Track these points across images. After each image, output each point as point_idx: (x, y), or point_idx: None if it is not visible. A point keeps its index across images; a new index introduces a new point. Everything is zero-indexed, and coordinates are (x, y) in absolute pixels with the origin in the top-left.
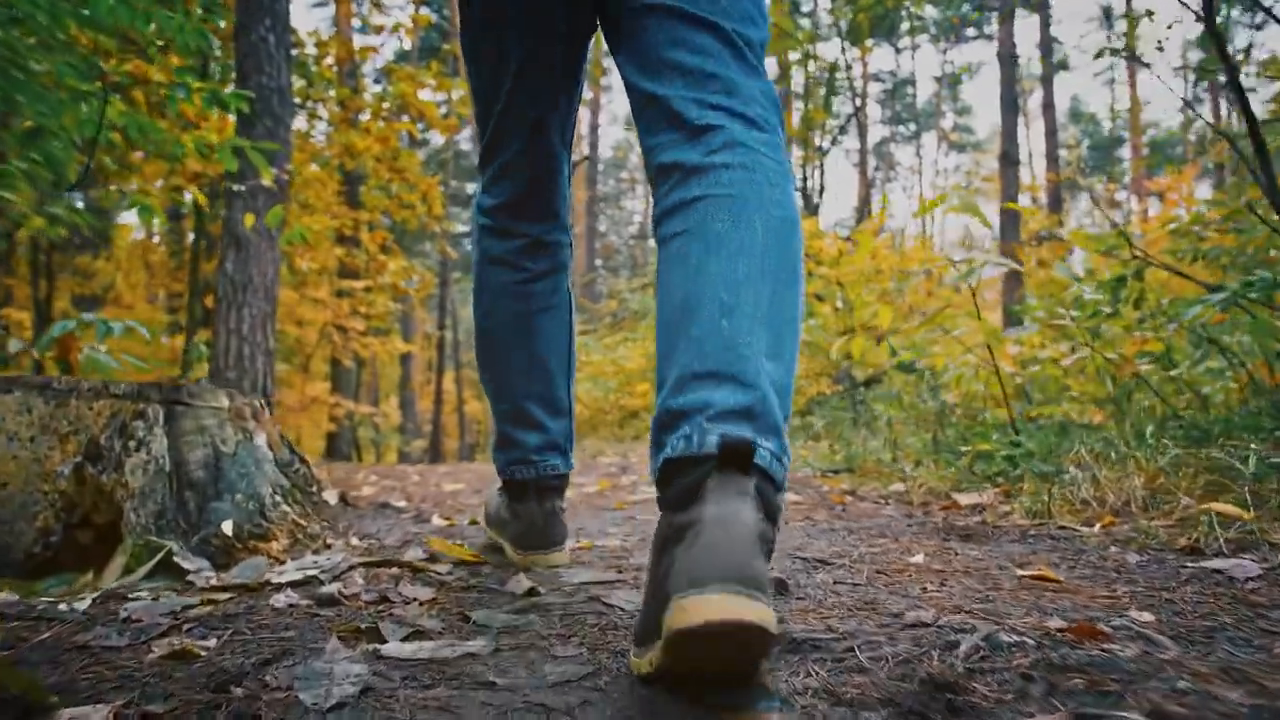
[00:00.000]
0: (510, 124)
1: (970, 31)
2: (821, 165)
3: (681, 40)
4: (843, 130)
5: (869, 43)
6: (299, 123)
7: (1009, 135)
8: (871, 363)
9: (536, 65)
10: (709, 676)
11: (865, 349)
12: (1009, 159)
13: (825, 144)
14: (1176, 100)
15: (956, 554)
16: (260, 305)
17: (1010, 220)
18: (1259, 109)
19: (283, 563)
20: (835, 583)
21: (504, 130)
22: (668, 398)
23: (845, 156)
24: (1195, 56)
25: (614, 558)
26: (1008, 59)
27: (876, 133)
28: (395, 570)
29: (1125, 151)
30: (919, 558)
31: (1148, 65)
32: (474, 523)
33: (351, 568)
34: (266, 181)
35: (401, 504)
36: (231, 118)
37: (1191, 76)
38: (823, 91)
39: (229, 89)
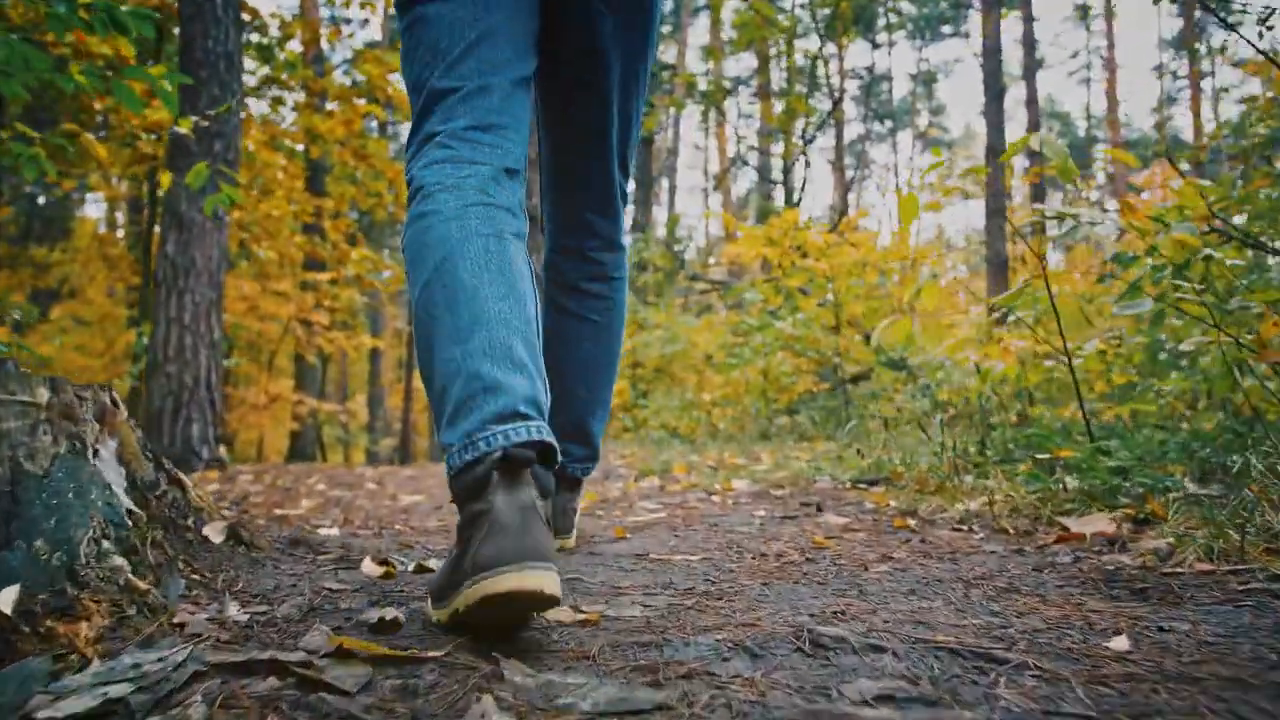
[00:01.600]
0: (478, 70)
1: (946, 29)
2: (805, 157)
3: (612, 177)
4: (824, 123)
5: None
6: (262, 107)
7: (995, 128)
8: (863, 359)
9: (511, 39)
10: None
11: (896, 335)
12: (995, 153)
13: (808, 136)
14: (1150, 100)
15: (1173, 634)
16: (204, 291)
17: (995, 214)
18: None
19: (86, 663)
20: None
21: (469, 72)
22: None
23: (820, 154)
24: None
25: (639, 643)
26: (993, 51)
27: (851, 130)
28: (269, 683)
29: (1099, 151)
30: (1121, 642)
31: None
32: (421, 570)
33: (194, 678)
34: (184, 130)
35: (331, 533)
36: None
37: (1167, 78)
38: (806, 81)
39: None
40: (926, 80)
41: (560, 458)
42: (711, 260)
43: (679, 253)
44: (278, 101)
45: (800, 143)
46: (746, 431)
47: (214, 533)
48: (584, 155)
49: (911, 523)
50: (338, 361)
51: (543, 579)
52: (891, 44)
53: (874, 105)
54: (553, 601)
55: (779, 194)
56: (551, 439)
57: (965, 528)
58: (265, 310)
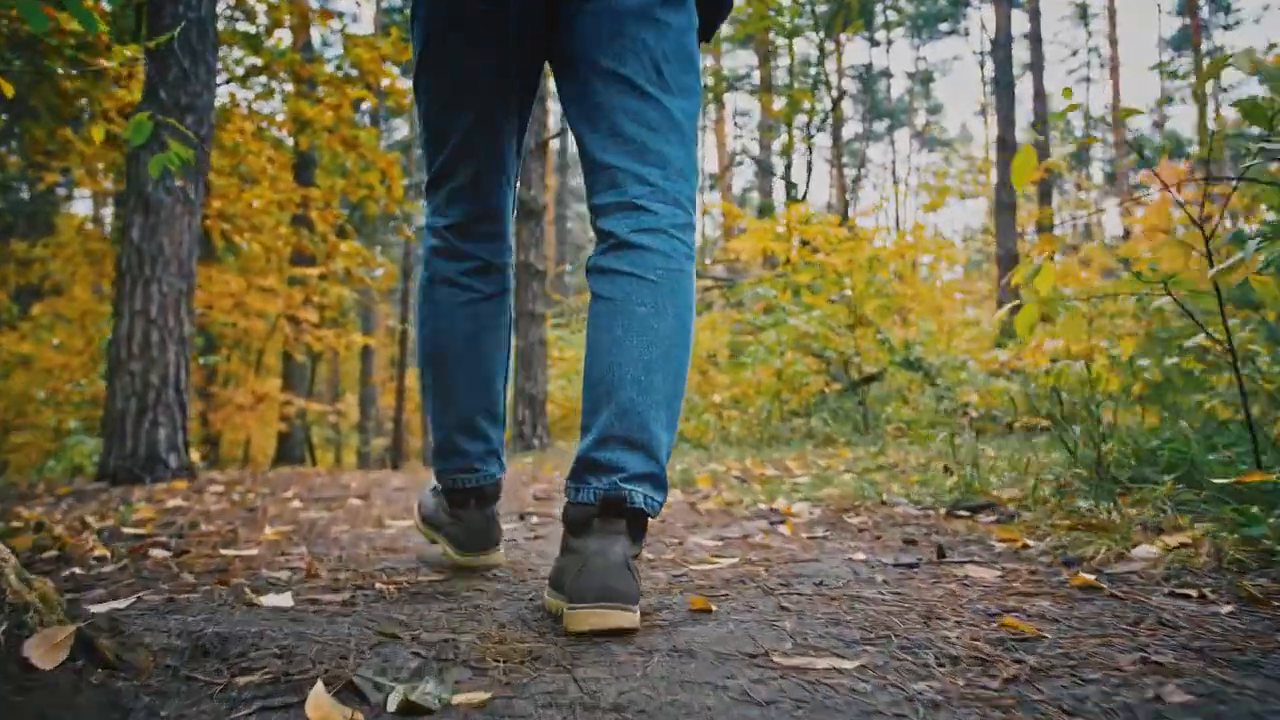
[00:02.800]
0: (465, 155)
1: (944, 26)
2: (810, 150)
3: (629, 111)
4: (827, 117)
5: (843, 37)
6: (261, 109)
7: (1006, 120)
8: (881, 358)
9: (491, 106)
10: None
11: (1025, 322)
12: (1006, 145)
13: (812, 128)
14: (1148, 99)
15: None
16: (173, 282)
17: (1006, 209)
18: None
19: None
20: None
21: (458, 159)
22: (591, 448)
23: (817, 153)
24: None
25: None
26: (1003, 43)
27: (848, 129)
28: None
29: (1097, 151)
30: None
31: None
32: (409, 710)
33: None
34: (133, 53)
35: (281, 601)
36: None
37: (1166, 78)
38: (811, 74)
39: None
40: (924, 79)
41: (607, 481)
42: (708, 260)
43: None
44: (267, 93)
45: (805, 135)
46: (757, 435)
47: (43, 652)
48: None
49: (1091, 577)
50: (330, 361)
51: (497, 557)
52: (890, 42)
53: (871, 103)
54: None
55: (779, 191)
56: (497, 477)
57: (1194, 592)
58: (251, 306)
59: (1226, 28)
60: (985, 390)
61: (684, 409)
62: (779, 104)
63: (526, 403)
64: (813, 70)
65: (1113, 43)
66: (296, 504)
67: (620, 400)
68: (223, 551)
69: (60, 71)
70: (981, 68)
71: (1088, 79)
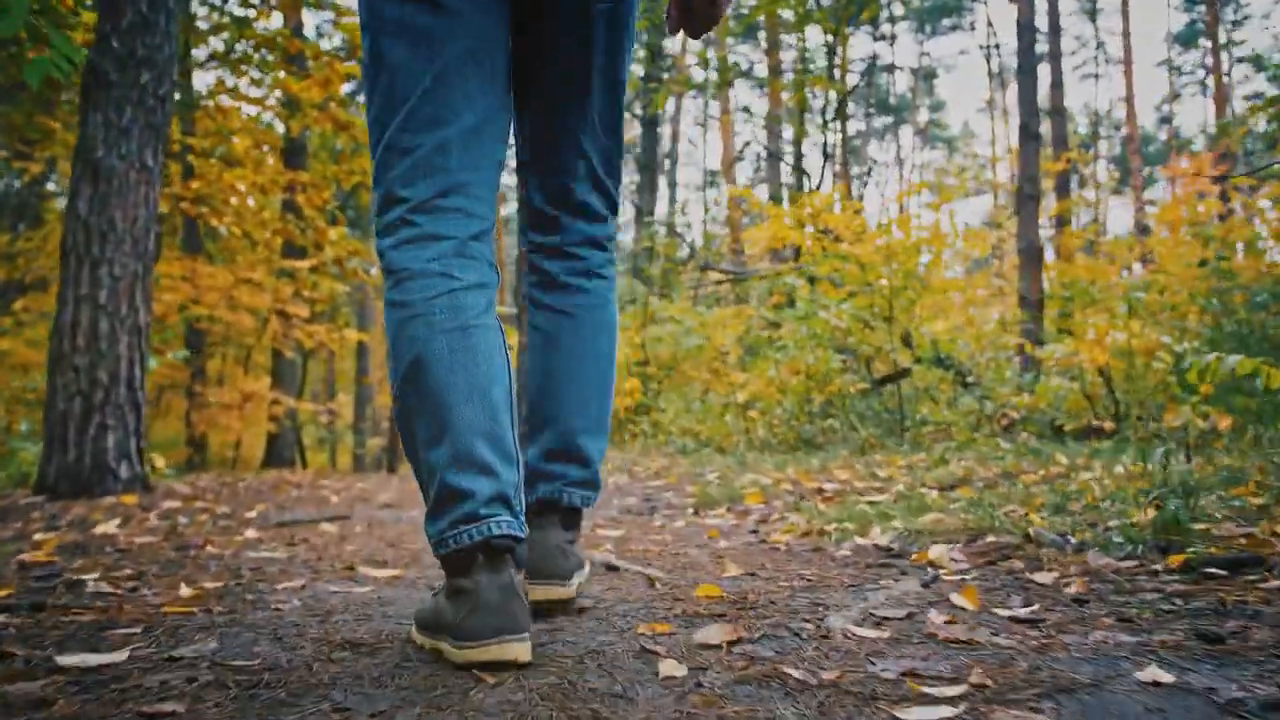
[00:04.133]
0: (450, 94)
1: (947, 22)
2: (829, 136)
3: (609, 152)
4: (843, 104)
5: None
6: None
7: (1028, 106)
8: (920, 352)
9: (493, 39)
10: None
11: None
12: (1028, 132)
13: (827, 114)
14: (1154, 96)
15: None
16: (126, 263)
17: (1028, 199)
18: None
19: None
20: None
21: (440, 101)
22: (539, 460)
23: (814, 149)
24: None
25: None
26: (1027, 26)
27: (850, 125)
28: None
29: (1102, 148)
30: None
31: None
32: None
33: None
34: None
35: None
36: None
37: (1171, 73)
38: (819, 64)
39: None
40: (927, 75)
41: (554, 485)
42: (712, 247)
43: (689, 242)
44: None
45: (822, 123)
46: (784, 438)
47: None
48: (565, 135)
49: None
50: (326, 361)
51: (518, 650)
52: (894, 36)
53: (874, 99)
54: (527, 657)
55: (788, 183)
56: (509, 529)
57: None
58: (239, 300)
59: (1235, 23)
60: (1040, 390)
61: (702, 411)
62: (787, 94)
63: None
64: (821, 62)
65: (1126, 35)
66: (252, 533)
67: (562, 427)
68: (114, 634)
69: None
70: (988, 61)
71: (1096, 75)
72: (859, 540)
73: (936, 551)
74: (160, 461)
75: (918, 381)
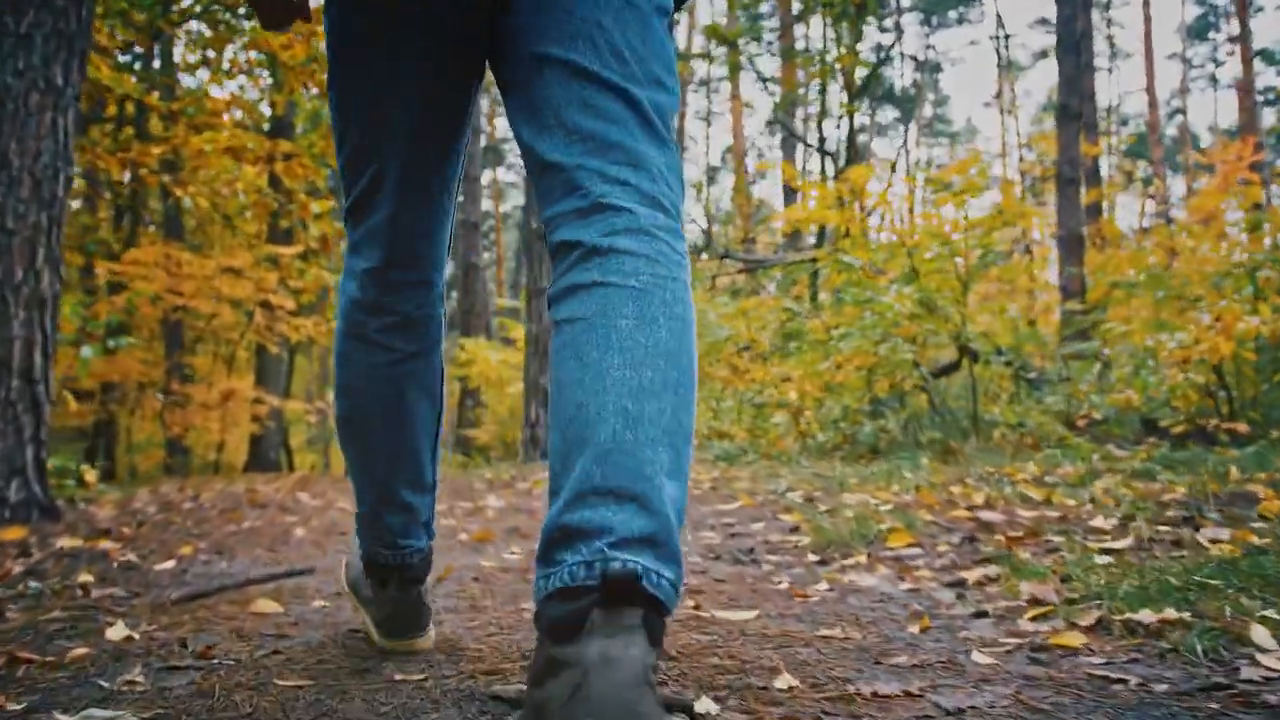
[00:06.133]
0: (386, 184)
1: (953, 14)
2: (851, 115)
3: (584, 103)
4: (868, 83)
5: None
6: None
7: (1069, 85)
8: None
9: (418, 118)
10: None
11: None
12: (1069, 112)
13: (854, 90)
14: (1162, 91)
15: None
16: (24, 212)
17: (1068, 184)
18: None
19: None
20: None
21: (378, 189)
22: (564, 510)
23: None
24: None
25: None
26: None
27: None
28: None
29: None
30: None
31: None
32: None
33: None
34: None
35: None
36: None
37: (1185, 67)
38: (847, 35)
39: None
40: (933, 69)
41: (588, 551)
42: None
43: (706, 229)
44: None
45: (846, 104)
46: (834, 441)
47: None
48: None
49: None
50: (319, 359)
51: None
52: (900, 29)
53: (879, 92)
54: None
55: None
56: (419, 553)
57: None
58: (218, 290)
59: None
60: (1137, 386)
61: (735, 410)
62: (803, 72)
63: (540, 399)
64: (851, 31)
65: (1147, 20)
66: (119, 632)
67: (600, 439)
68: None
69: None
70: (998, 53)
71: (1109, 69)
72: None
73: None
74: (90, 475)
75: (970, 378)
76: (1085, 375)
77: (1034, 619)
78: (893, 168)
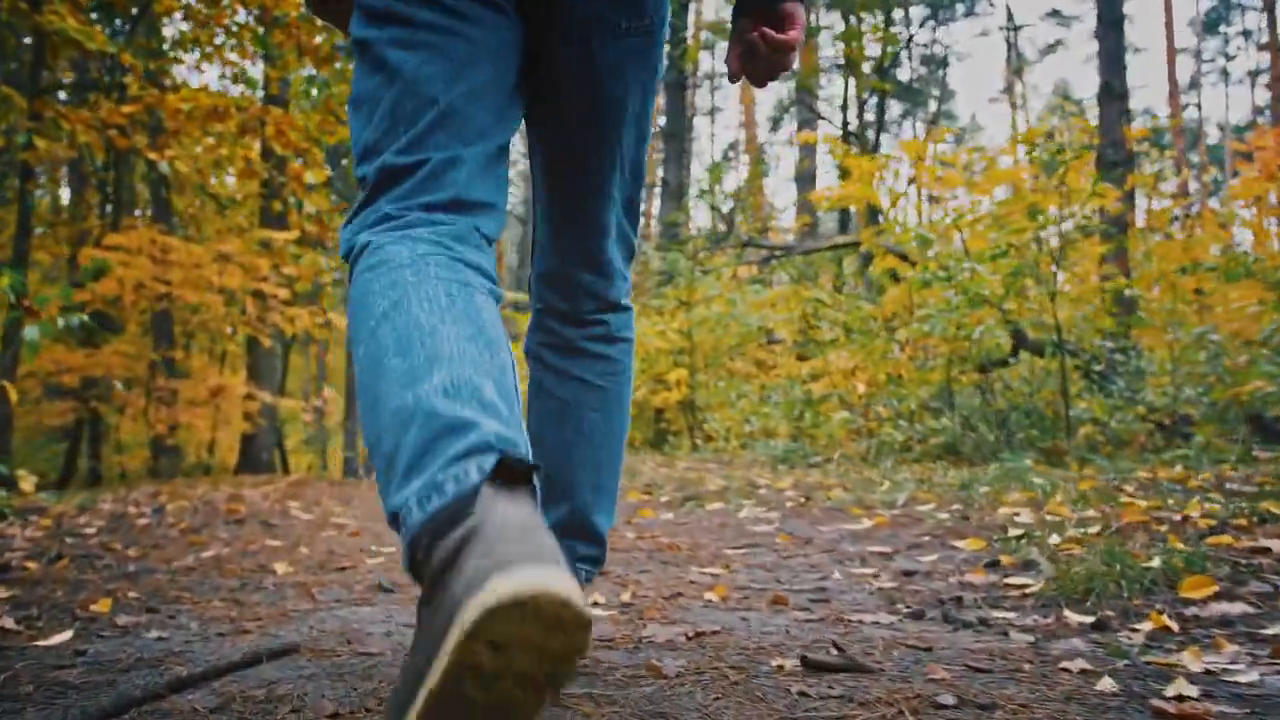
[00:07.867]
0: (470, 119)
1: (959, 8)
2: (881, 94)
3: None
4: (897, 60)
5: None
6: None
7: (1111, 62)
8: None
9: (505, 67)
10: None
11: None
12: (1111, 91)
13: (885, 65)
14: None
15: None
16: None
17: (1110, 167)
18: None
19: None
20: None
21: (452, 129)
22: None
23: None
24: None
25: None
26: None
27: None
28: None
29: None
30: None
31: None
32: None
33: None
34: None
35: None
36: None
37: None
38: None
39: None
40: (940, 64)
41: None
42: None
43: (728, 214)
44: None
45: (872, 79)
46: (901, 442)
47: None
48: (584, 193)
49: None
50: (317, 356)
51: (564, 583)
52: (908, 22)
53: (892, 84)
54: (582, 622)
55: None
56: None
57: None
58: (207, 278)
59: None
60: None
61: (784, 405)
62: (819, 58)
63: None
64: (883, 12)
65: (1168, 9)
66: None
67: (576, 503)
68: None
69: None
70: (1008, 46)
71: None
72: None
73: None
74: (27, 483)
75: (1025, 370)
76: (1181, 366)
77: None
78: (932, 141)
